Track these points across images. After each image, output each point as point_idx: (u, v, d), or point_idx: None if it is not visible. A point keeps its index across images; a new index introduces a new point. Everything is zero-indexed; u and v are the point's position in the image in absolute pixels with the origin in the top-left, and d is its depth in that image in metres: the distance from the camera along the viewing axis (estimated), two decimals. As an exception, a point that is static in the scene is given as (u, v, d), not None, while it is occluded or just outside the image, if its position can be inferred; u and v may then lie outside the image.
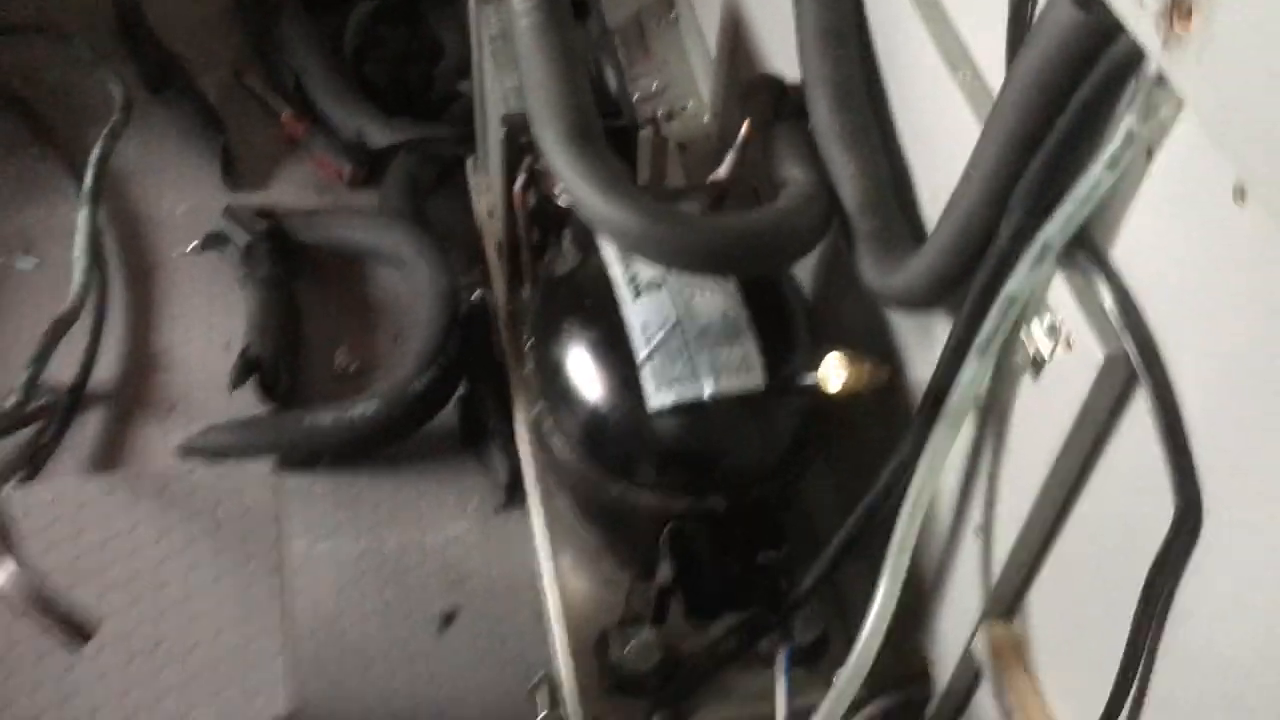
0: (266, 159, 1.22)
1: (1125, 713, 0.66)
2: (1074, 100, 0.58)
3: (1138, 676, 0.64)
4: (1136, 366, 0.58)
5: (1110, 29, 0.54)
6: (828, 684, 0.73)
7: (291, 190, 1.19)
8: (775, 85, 0.85)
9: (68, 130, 1.21)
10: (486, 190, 1.11)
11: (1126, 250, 0.60)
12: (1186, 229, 0.56)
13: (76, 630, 0.54)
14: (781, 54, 0.93)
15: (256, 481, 0.76)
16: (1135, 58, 0.55)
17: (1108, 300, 0.60)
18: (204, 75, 1.27)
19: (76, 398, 0.98)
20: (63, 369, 0.99)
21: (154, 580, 0.70)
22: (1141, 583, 0.60)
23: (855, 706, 0.81)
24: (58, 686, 0.66)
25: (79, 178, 1.14)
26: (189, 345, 1.06)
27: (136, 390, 1.02)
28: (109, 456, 0.96)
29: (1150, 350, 0.58)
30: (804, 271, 0.90)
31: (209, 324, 1.07)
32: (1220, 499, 0.56)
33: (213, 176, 1.18)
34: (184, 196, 1.17)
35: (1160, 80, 0.54)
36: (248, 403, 1.00)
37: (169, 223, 1.15)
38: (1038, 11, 0.60)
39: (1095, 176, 0.58)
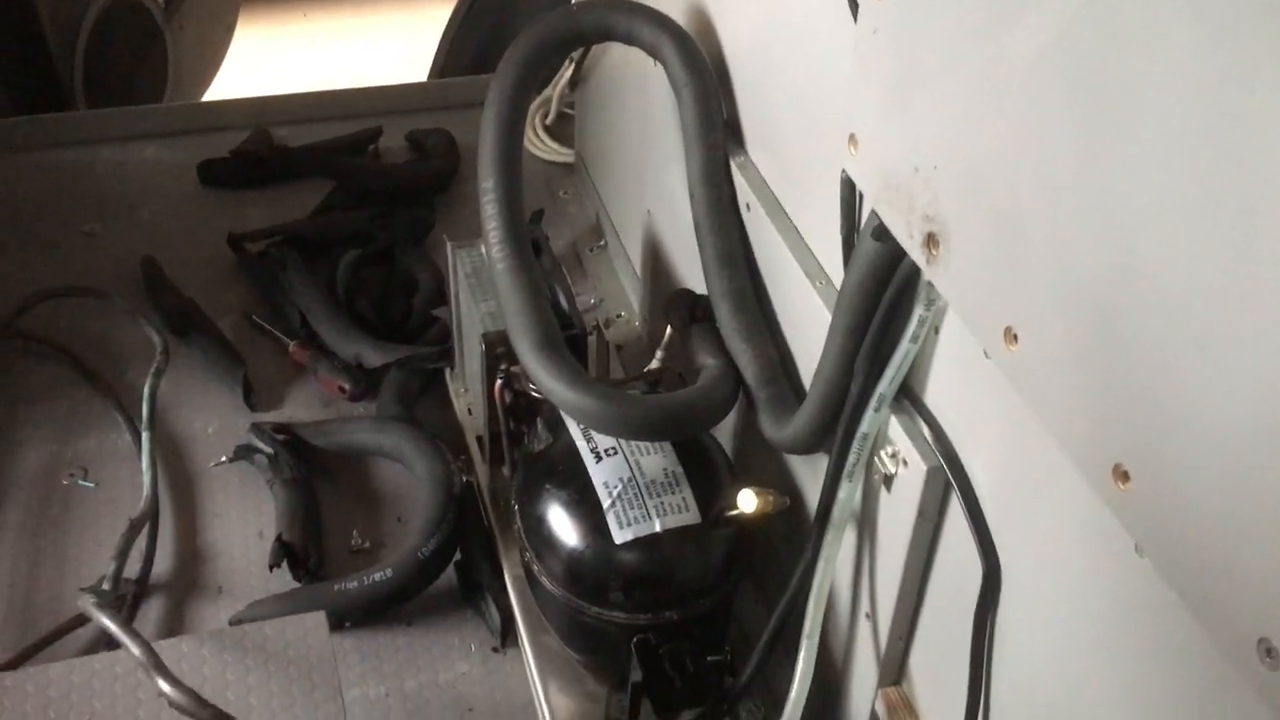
0: (280, 383, 1.41)
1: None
2: (884, 298, 0.77)
3: (980, 704, 0.78)
4: (947, 473, 0.77)
5: (898, 252, 0.73)
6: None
7: (303, 407, 1.38)
8: (689, 297, 1.08)
9: (110, 373, 1.40)
10: (464, 393, 1.34)
11: (934, 394, 0.79)
12: (966, 376, 0.75)
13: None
14: (689, 271, 1.17)
15: (312, 627, 0.93)
16: (917, 268, 0.74)
17: (925, 431, 0.79)
18: (221, 319, 1.47)
19: (143, 587, 1.16)
20: (128, 565, 1.16)
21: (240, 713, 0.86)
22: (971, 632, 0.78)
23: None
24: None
25: (124, 411, 1.34)
26: (229, 538, 1.23)
27: (190, 578, 1.19)
28: (171, 635, 1.13)
29: (955, 461, 0.76)
30: (726, 433, 1.12)
31: (244, 520, 1.25)
32: (1011, 559, 0.74)
33: (236, 401, 1.38)
34: (213, 419, 1.36)
35: (930, 282, 0.75)
36: (284, 580, 1.17)
37: (203, 440, 1.33)
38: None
39: (905, 348, 0.77)
